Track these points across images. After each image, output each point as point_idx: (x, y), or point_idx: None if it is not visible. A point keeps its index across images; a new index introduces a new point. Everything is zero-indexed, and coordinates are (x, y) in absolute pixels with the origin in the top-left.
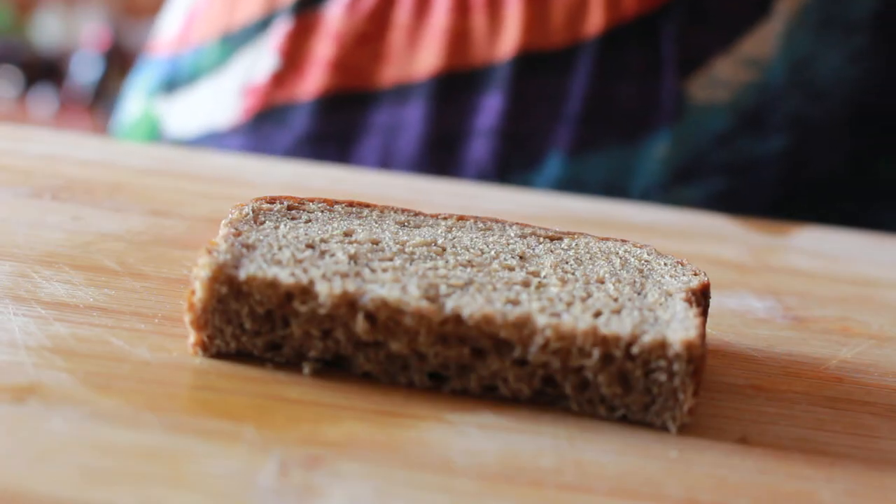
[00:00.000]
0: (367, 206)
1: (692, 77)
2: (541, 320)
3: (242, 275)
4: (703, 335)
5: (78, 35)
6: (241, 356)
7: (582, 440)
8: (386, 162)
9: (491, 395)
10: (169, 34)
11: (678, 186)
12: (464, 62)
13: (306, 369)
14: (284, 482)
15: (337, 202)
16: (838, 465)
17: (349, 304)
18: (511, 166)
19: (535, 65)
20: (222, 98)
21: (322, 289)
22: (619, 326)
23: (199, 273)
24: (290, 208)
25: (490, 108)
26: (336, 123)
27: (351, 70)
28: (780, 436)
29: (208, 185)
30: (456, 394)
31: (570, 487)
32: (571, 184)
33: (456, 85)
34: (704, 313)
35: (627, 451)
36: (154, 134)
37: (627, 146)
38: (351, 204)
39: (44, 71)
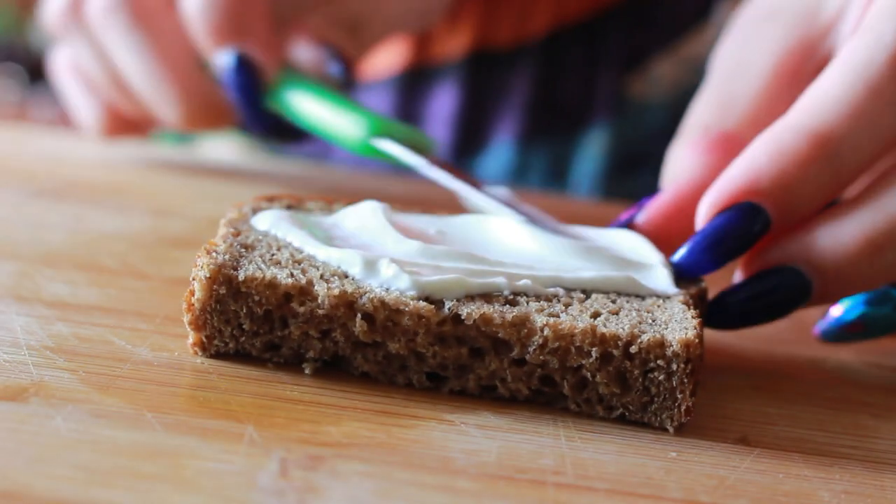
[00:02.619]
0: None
1: (632, 75)
2: (539, 320)
3: (241, 275)
4: (700, 335)
5: None
6: (241, 356)
7: (582, 440)
8: None
9: (489, 395)
10: None
11: (620, 177)
12: (424, 59)
13: (307, 369)
14: (285, 482)
15: (335, 201)
16: (837, 466)
17: (347, 304)
18: (464, 151)
19: (485, 62)
20: None
21: (321, 289)
22: (617, 326)
23: (198, 273)
24: (289, 207)
25: (445, 100)
26: None
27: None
28: (780, 436)
29: (209, 186)
30: (456, 394)
31: (570, 487)
32: (519, 169)
33: (417, 79)
34: (702, 316)
35: (627, 451)
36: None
37: (568, 137)
38: (350, 203)
39: (46, 71)
